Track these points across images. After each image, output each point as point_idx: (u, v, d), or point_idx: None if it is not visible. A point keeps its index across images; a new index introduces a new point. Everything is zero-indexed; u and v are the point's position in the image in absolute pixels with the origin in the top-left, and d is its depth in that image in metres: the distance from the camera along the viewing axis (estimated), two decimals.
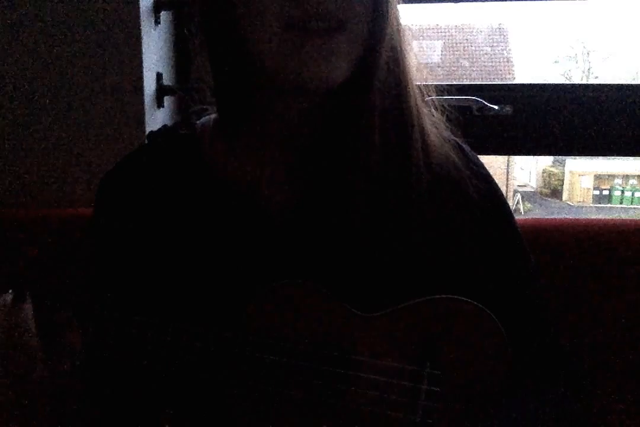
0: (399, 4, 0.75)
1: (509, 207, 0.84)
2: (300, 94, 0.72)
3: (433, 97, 0.81)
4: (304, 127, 0.76)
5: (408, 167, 0.75)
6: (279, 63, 0.69)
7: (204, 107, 0.86)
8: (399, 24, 0.75)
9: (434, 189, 0.76)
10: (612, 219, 1.13)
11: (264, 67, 0.71)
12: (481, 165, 0.82)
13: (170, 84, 1.30)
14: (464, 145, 0.83)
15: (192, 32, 0.78)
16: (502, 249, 0.79)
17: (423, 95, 0.79)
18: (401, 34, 0.75)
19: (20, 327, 0.68)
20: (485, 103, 1.23)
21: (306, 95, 0.73)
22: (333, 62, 0.68)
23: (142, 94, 1.20)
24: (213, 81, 0.77)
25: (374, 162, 0.74)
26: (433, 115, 0.81)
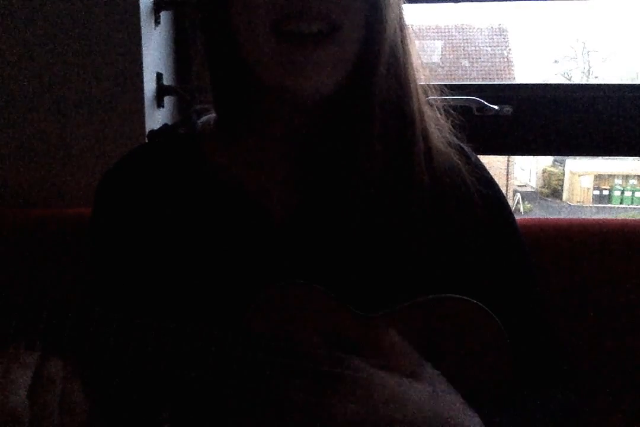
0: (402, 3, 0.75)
1: (510, 209, 0.84)
2: (299, 99, 0.72)
3: (433, 98, 0.81)
4: (304, 129, 0.76)
5: (410, 170, 0.75)
6: (269, 71, 0.69)
7: (205, 106, 0.86)
8: (402, 25, 0.74)
9: (436, 192, 0.76)
10: (612, 219, 1.12)
11: (256, 72, 0.71)
12: (484, 169, 0.82)
13: (170, 84, 1.30)
14: (467, 149, 0.83)
15: (192, 33, 0.78)
16: (502, 250, 0.80)
17: (426, 97, 0.79)
18: (404, 35, 0.74)
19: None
20: (485, 103, 1.23)
21: (305, 100, 0.72)
22: (323, 72, 0.67)
23: (142, 94, 1.20)
24: (210, 83, 0.77)
25: (374, 164, 0.74)
26: (437, 119, 0.80)
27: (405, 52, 0.74)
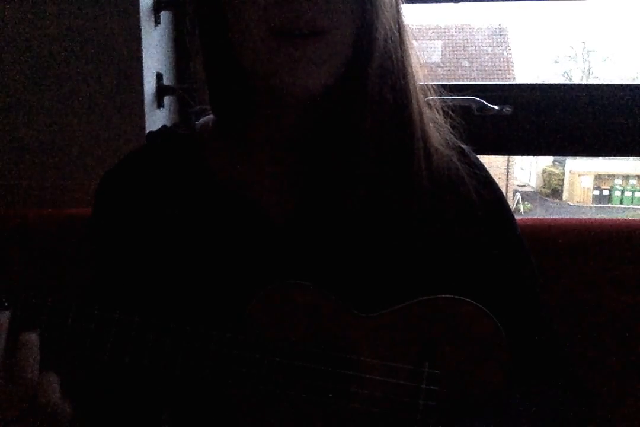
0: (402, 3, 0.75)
1: (510, 209, 0.84)
2: (292, 98, 0.72)
3: (433, 98, 0.81)
4: (300, 129, 0.76)
5: (409, 170, 0.75)
6: (263, 68, 0.69)
7: (204, 107, 0.86)
8: (399, 25, 0.74)
9: (435, 192, 0.76)
10: (612, 219, 1.13)
11: (250, 72, 0.71)
12: (483, 169, 0.83)
13: (170, 84, 1.30)
14: (467, 149, 0.83)
15: (191, 32, 0.78)
16: (502, 250, 0.80)
17: (426, 97, 0.79)
18: (402, 35, 0.74)
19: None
20: (485, 103, 1.23)
21: (298, 99, 0.73)
22: (312, 67, 0.67)
23: (142, 94, 1.20)
24: (207, 84, 0.77)
25: (370, 164, 0.73)
26: (437, 119, 0.80)
27: (404, 53, 0.74)
